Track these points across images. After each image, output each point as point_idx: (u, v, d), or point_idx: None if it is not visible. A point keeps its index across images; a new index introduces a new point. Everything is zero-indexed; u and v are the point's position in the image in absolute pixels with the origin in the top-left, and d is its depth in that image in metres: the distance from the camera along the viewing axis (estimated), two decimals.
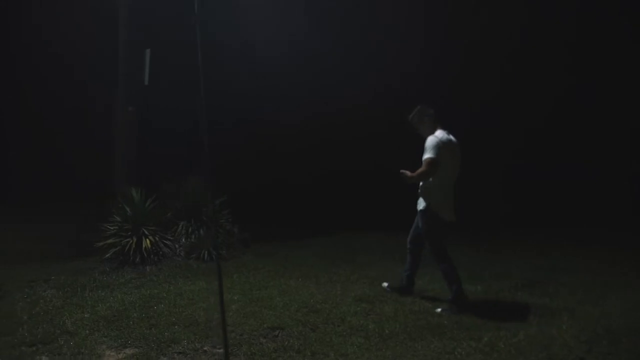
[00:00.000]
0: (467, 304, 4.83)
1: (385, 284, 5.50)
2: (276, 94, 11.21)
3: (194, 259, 6.68)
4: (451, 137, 4.94)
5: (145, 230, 6.56)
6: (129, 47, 7.50)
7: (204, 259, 6.64)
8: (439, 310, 4.81)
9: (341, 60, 11.27)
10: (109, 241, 6.51)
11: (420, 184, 4.92)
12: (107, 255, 6.41)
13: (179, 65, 9.36)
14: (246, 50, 10.83)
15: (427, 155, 4.75)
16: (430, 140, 4.80)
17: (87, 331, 4.11)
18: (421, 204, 4.96)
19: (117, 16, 7.67)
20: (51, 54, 11.77)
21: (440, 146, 4.74)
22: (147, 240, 6.47)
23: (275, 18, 10.11)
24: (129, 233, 6.51)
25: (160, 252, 6.58)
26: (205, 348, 3.87)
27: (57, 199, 10.97)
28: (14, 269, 6.18)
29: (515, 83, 11.29)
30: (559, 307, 4.90)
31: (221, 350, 3.83)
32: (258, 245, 7.67)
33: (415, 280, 5.35)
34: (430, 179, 4.81)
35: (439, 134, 4.87)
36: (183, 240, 6.97)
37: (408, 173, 4.78)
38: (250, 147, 10.83)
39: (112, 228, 6.62)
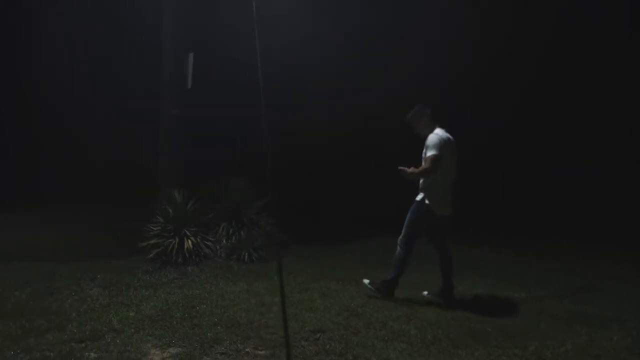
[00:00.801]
0: (393, 295, 5.21)
1: (425, 292, 5.44)
2: (309, 99, 11.24)
3: (235, 260, 6.75)
4: (449, 135, 5.09)
5: (187, 231, 6.66)
6: (173, 53, 7.62)
7: (244, 260, 6.71)
8: (366, 281, 5.38)
9: (373, 63, 11.22)
10: (152, 241, 6.64)
11: (421, 180, 5.08)
12: (150, 255, 6.53)
13: (221, 69, 9.53)
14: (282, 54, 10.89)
15: (430, 152, 4.90)
16: (432, 138, 4.95)
17: (133, 329, 4.19)
18: (419, 196, 5.12)
19: (162, 22, 7.83)
20: (100, 57, 12.09)
21: (442, 144, 4.91)
22: (189, 241, 6.57)
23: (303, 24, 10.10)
24: (172, 234, 6.63)
25: (202, 253, 6.67)
26: (247, 349, 3.89)
27: (102, 200, 11.28)
28: (63, 267, 6.35)
29: (545, 85, 11.16)
30: (609, 317, 4.75)
31: (263, 352, 3.86)
32: (297, 248, 7.71)
33: (454, 283, 5.27)
34: (433, 175, 4.95)
35: (439, 132, 5.02)
36: (224, 241, 7.05)
37: (408, 170, 4.92)
38: (290, 151, 10.88)
39: (155, 229, 6.75)
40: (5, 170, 12.32)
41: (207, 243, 6.85)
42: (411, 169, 4.93)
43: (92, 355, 3.70)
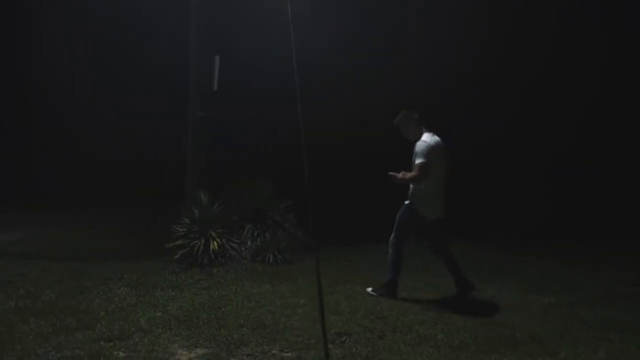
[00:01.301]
0: (396, 295, 5.34)
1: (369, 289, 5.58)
2: (333, 98, 11.20)
3: (259, 261, 6.77)
4: (437, 139, 5.24)
5: (212, 233, 6.71)
6: (200, 54, 7.70)
7: (269, 262, 6.73)
8: (369, 289, 5.48)
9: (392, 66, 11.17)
10: (178, 242, 6.70)
11: (411, 185, 5.26)
12: (176, 256, 6.59)
13: (246, 70, 9.58)
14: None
15: (418, 160, 5.05)
16: (420, 146, 5.11)
17: (160, 329, 4.22)
18: (408, 200, 5.31)
19: (189, 25, 7.91)
20: (128, 58, 12.26)
21: (430, 150, 5.06)
22: (215, 242, 6.62)
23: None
24: (197, 235, 6.68)
25: (227, 255, 6.71)
26: (273, 351, 3.89)
27: (128, 200, 11.44)
28: (91, 266, 6.46)
29: (548, 84, 11.07)
30: None
31: (289, 354, 3.85)
32: (322, 250, 7.65)
33: (467, 280, 5.38)
34: (421, 182, 5.11)
35: (427, 137, 5.17)
36: (249, 243, 7.07)
37: (398, 175, 5.10)
38: (315, 151, 10.86)
39: (181, 230, 6.81)
40: (26, 170, 12.67)
41: (232, 244, 6.88)
42: (401, 174, 5.10)
43: (121, 354, 3.74)
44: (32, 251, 7.23)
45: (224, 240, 6.76)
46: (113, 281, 5.77)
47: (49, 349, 3.76)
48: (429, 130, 5.26)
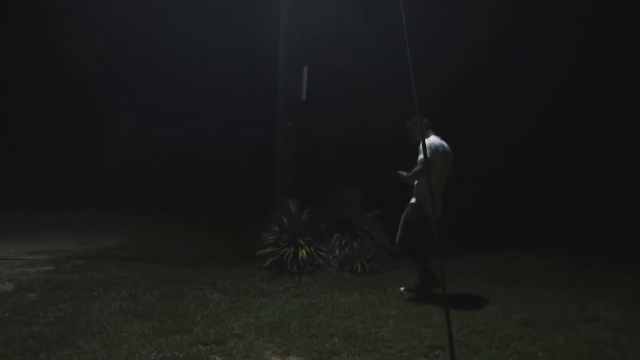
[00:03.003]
0: (432, 286, 5.57)
1: (402, 288, 5.86)
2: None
3: (347, 271, 6.76)
4: (444, 143, 5.61)
5: (301, 241, 6.78)
6: (288, 68, 7.86)
7: (357, 271, 6.70)
8: (402, 289, 5.79)
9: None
10: (268, 250, 6.82)
11: (415, 182, 5.56)
12: (266, 264, 6.71)
13: (332, 79, 9.64)
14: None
15: (420, 155, 5.35)
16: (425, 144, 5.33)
17: (253, 335, 4.30)
18: (413, 199, 5.63)
19: (278, 35, 8.11)
20: (221, 74, 12.70)
21: (433, 148, 5.40)
22: (304, 250, 6.68)
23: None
24: (286, 243, 6.77)
25: (315, 263, 6.75)
26: None
27: (218, 209, 11.83)
28: (185, 271, 6.71)
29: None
30: None
31: None
32: (408, 260, 7.55)
33: (435, 274, 5.57)
34: (423, 178, 5.31)
35: (432, 139, 5.56)
36: (337, 251, 7.07)
37: (404, 174, 5.43)
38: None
39: (270, 237, 6.94)
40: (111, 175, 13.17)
41: (321, 253, 6.91)
42: (406, 174, 5.45)
43: (217, 358, 3.84)
44: (130, 255, 7.62)
45: (312, 249, 6.81)
46: (206, 286, 5.95)
47: (151, 349, 3.94)
48: (437, 134, 5.66)
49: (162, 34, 12.31)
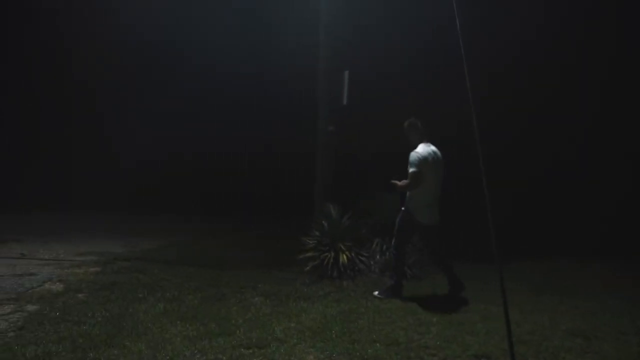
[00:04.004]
0: (401, 295, 5.79)
1: (375, 292, 5.95)
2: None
3: (388, 276, 6.68)
4: (434, 149, 5.78)
5: (342, 246, 6.76)
6: (328, 72, 7.87)
7: None
8: (376, 293, 5.88)
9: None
10: (308, 254, 6.84)
11: (408, 192, 5.77)
12: (306, 268, 6.73)
13: (372, 82, 9.63)
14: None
15: (410, 169, 5.60)
16: (412, 156, 5.64)
17: (295, 340, 4.30)
18: (405, 206, 5.83)
19: (318, 40, 8.13)
20: (266, 82, 12.81)
21: (422, 160, 5.58)
22: (344, 255, 6.66)
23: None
24: (327, 248, 6.77)
25: (356, 268, 6.72)
26: None
27: (259, 214, 11.95)
28: (226, 274, 6.78)
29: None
30: None
31: None
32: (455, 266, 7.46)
33: (461, 281, 5.88)
34: (414, 189, 5.65)
35: (420, 148, 5.70)
36: (377, 257, 7.02)
37: (398, 183, 5.72)
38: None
39: (311, 242, 6.95)
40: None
41: (361, 258, 6.88)
42: (401, 182, 5.69)
43: None
44: (171, 258, 7.75)
45: (353, 254, 6.78)
46: (248, 290, 6.00)
47: (195, 351, 3.99)
48: (429, 141, 5.81)
49: (202, 40, 12.53)
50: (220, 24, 12.65)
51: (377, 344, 4.24)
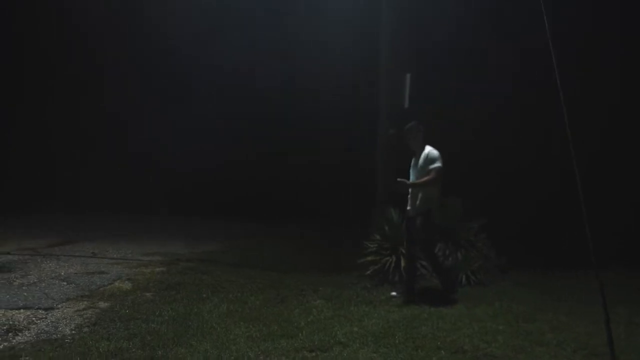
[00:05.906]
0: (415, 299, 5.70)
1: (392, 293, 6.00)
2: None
3: (439, 283, 6.54)
4: None
5: (403, 250, 6.66)
6: (390, 74, 7.83)
7: (462, 283, 6.48)
8: (393, 294, 5.93)
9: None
10: (369, 258, 6.79)
11: (419, 194, 5.74)
12: (367, 272, 6.68)
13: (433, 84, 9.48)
14: None
15: (436, 164, 5.58)
16: (434, 152, 5.65)
17: (358, 344, 4.26)
18: (421, 208, 5.73)
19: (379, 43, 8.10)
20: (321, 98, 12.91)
21: (441, 157, 5.61)
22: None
23: None
24: (388, 252, 6.69)
25: (418, 273, 6.59)
26: None
27: (320, 218, 11.98)
28: (287, 277, 6.85)
29: None
30: None
31: None
32: (515, 273, 7.23)
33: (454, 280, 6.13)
34: (429, 188, 5.67)
35: (432, 148, 5.72)
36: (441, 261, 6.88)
37: (406, 181, 5.70)
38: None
39: (372, 246, 6.90)
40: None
41: (423, 263, 6.75)
42: (423, 179, 5.62)
43: None
44: (233, 260, 7.91)
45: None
46: (309, 293, 6.03)
47: (258, 352, 4.03)
48: (430, 143, 5.80)
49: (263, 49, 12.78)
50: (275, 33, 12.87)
51: (442, 351, 4.15)
